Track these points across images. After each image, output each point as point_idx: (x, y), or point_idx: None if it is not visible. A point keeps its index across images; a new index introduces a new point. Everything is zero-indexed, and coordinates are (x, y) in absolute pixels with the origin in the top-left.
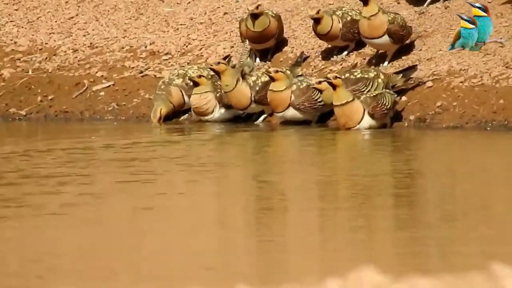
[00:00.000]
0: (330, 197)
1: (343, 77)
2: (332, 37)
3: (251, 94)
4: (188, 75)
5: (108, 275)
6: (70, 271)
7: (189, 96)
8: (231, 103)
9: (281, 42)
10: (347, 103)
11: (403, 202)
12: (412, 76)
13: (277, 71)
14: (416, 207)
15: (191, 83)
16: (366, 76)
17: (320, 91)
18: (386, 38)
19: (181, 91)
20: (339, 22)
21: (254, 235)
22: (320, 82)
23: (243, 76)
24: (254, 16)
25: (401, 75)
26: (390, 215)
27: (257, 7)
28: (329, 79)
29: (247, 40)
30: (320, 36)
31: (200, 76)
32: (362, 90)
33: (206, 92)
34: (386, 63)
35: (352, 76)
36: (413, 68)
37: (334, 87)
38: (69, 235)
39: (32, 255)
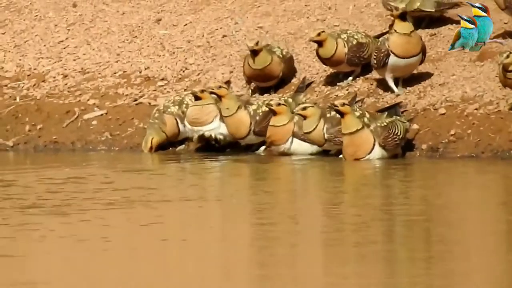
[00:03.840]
0: (336, 229)
1: (328, 115)
2: (336, 62)
3: (251, 123)
4: (185, 102)
5: None
6: None
7: (184, 125)
8: (228, 130)
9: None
10: (356, 131)
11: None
12: (399, 111)
13: (278, 104)
14: (421, 244)
15: (193, 99)
16: None
17: (304, 117)
18: (419, 57)
19: (175, 119)
20: (345, 46)
21: (256, 269)
22: (305, 108)
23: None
24: (254, 53)
25: (386, 113)
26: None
27: (256, 43)
28: (336, 106)
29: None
30: (324, 60)
31: (202, 91)
32: None
33: (208, 104)
34: (399, 88)
35: (337, 116)
36: (397, 105)
37: (342, 114)
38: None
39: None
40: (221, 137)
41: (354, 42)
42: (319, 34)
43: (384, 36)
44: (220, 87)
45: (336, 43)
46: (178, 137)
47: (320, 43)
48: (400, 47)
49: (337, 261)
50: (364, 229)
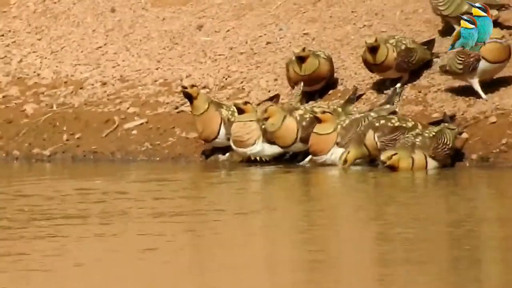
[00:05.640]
0: (381, 243)
1: (377, 124)
2: (385, 67)
3: (298, 130)
4: (232, 109)
5: None
6: None
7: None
8: (276, 143)
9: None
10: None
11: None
12: (448, 119)
13: (323, 112)
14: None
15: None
16: (404, 125)
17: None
18: (507, 62)
19: (221, 120)
20: (394, 51)
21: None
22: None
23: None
24: (301, 59)
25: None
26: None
27: (303, 49)
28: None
29: (301, 83)
30: (372, 66)
31: (246, 103)
32: (398, 139)
33: (251, 120)
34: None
35: (389, 124)
36: (450, 118)
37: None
38: None
39: None
40: (267, 158)
41: (403, 47)
42: (376, 40)
43: None
44: (263, 106)
45: (387, 49)
46: (213, 140)
47: (374, 49)
48: (492, 52)
49: (385, 274)
50: (412, 242)
